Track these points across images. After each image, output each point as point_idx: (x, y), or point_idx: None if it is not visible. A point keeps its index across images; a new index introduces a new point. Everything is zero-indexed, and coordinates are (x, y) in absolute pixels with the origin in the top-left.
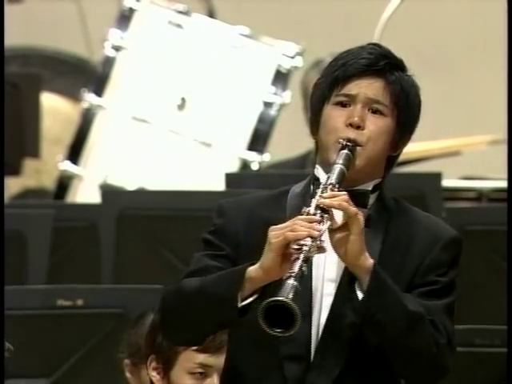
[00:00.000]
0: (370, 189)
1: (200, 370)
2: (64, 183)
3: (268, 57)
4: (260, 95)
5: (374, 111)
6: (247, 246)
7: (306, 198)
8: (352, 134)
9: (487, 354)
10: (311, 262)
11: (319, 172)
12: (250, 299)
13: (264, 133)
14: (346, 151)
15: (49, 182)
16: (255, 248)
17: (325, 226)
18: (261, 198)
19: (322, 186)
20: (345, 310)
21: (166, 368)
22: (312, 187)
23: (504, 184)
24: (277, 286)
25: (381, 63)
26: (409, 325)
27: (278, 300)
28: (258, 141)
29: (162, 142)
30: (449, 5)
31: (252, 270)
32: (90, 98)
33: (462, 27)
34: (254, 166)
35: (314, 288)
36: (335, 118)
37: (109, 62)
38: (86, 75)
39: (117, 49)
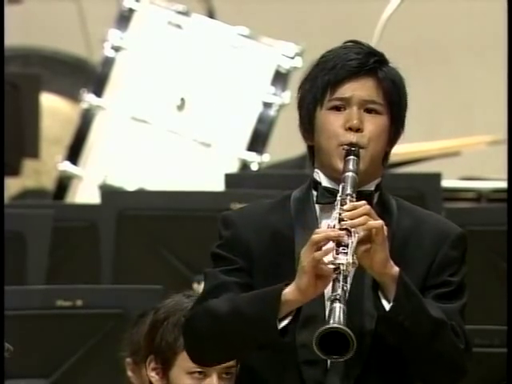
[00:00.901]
0: (373, 189)
1: (199, 370)
2: (63, 183)
3: (267, 57)
4: (259, 95)
5: (369, 111)
6: (260, 254)
7: (308, 203)
8: (353, 137)
9: (486, 354)
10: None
11: (320, 176)
12: (286, 321)
13: (263, 133)
14: (352, 157)
15: (48, 183)
16: (267, 256)
17: (355, 239)
18: (265, 205)
19: (339, 197)
20: (358, 313)
21: (164, 368)
22: (314, 192)
23: (503, 184)
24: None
25: (370, 62)
26: (433, 331)
27: (335, 328)
28: (258, 141)
29: (161, 143)
30: (449, 5)
31: (288, 292)
32: (89, 98)
33: (461, 27)
34: (254, 167)
35: (326, 292)
36: (333, 122)
37: (108, 63)
38: (85, 75)
39: (116, 49)
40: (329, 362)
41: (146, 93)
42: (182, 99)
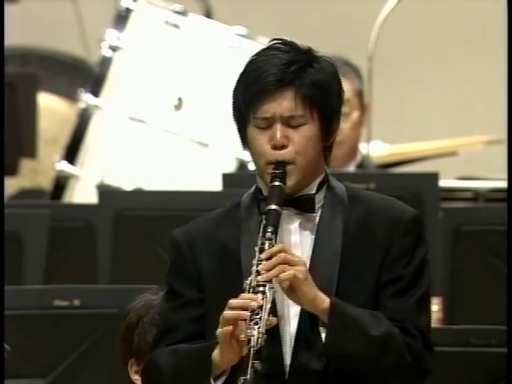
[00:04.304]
0: (314, 192)
1: None
2: (61, 183)
3: None
4: None
5: (293, 125)
6: (208, 274)
7: (253, 211)
8: (279, 155)
9: (484, 354)
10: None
11: (259, 182)
12: (221, 381)
13: None
14: (276, 184)
15: (45, 183)
16: (216, 275)
17: (270, 297)
18: (213, 217)
19: (259, 241)
20: (313, 319)
21: None
22: (257, 202)
23: (500, 184)
24: None
25: (288, 74)
26: (377, 350)
27: None
28: None
29: (158, 142)
30: (448, 4)
31: (216, 355)
32: (86, 98)
33: (461, 26)
34: (251, 167)
35: (278, 298)
36: (259, 140)
37: (106, 62)
38: (82, 75)
39: (114, 49)
40: (287, 373)
41: (143, 92)
42: (180, 99)
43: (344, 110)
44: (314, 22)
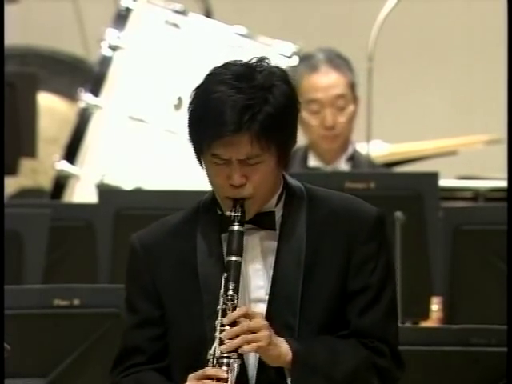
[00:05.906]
0: (274, 208)
1: None
2: (61, 183)
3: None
4: None
5: (251, 164)
6: (167, 287)
7: (211, 224)
8: (237, 193)
9: (483, 353)
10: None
11: (217, 196)
12: None
13: None
14: (236, 228)
15: (45, 182)
16: (176, 287)
17: (235, 372)
18: (171, 224)
19: (221, 300)
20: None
21: None
22: (219, 211)
23: (500, 183)
24: None
25: (245, 119)
26: None
27: None
28: None
29: (158, 142)
30: (447, 4)
31: None
32: (86, 97)
33: (461, 26)
34: None
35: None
36: (217, 174)
37: (105, 62)
38: (82, 75)
39: (113, 48)
40: None
41: (143, 92)
42: (180, 98)
43: (340, 104)
44: (314, 22)
